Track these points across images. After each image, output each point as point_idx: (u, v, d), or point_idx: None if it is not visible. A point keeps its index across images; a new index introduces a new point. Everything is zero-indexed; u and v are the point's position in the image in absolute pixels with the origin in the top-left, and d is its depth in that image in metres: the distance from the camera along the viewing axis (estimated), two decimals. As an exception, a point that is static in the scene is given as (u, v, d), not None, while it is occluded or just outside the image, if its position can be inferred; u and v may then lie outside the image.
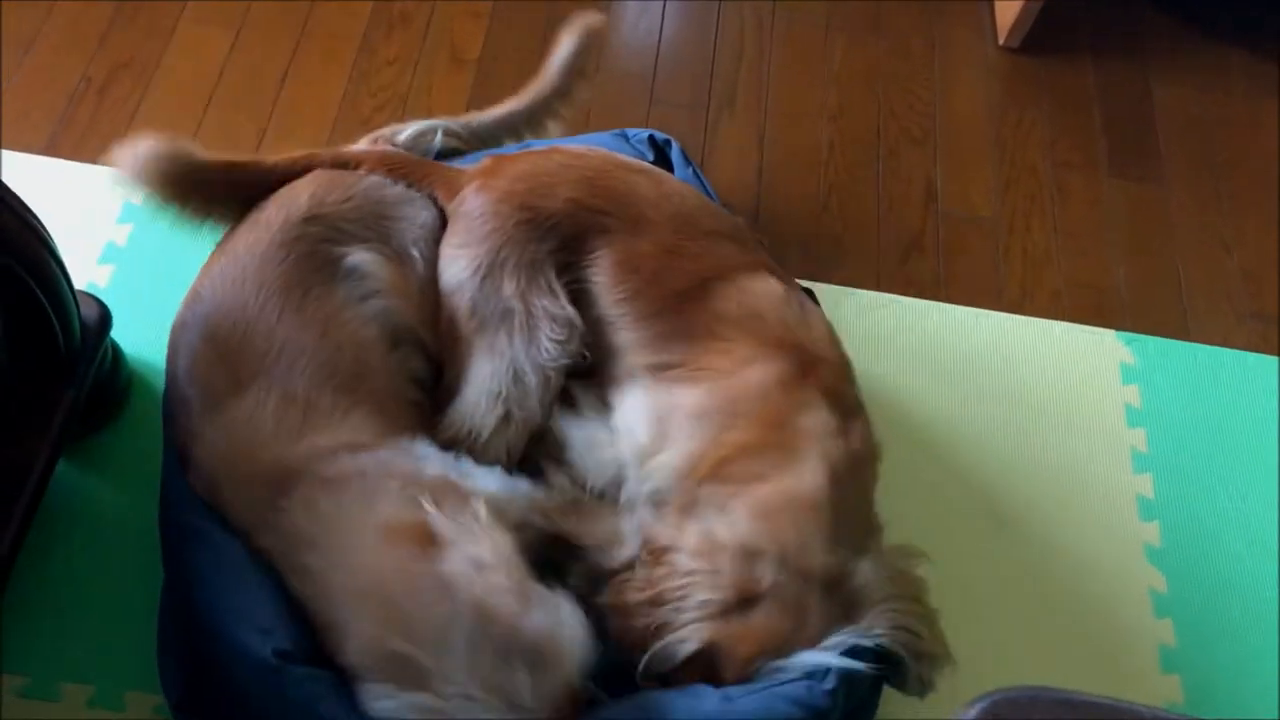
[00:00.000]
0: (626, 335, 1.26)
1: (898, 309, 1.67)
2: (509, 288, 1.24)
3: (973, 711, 0.74)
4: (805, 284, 1.60)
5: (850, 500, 1.16)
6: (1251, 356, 1.68)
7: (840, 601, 1.09)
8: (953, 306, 1.69)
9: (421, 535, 1.05)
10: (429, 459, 1.16)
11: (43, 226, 1.21)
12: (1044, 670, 1.38)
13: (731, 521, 1.10)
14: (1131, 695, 1.36)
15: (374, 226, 1.31)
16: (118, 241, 1.57)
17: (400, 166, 1.39)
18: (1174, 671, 1.41)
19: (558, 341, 1.23)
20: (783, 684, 1.06)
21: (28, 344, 1.23)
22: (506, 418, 1.22)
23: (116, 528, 1.35)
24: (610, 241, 1.26)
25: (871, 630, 1.09)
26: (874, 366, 1.60)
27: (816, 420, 1.18)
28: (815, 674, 1.07)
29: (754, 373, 1.20)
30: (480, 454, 1.21)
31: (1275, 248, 1.82)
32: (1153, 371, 1.66)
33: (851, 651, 1.08)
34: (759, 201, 1.78)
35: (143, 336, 1.49)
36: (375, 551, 1.04)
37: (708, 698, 1.05)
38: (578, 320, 1.24)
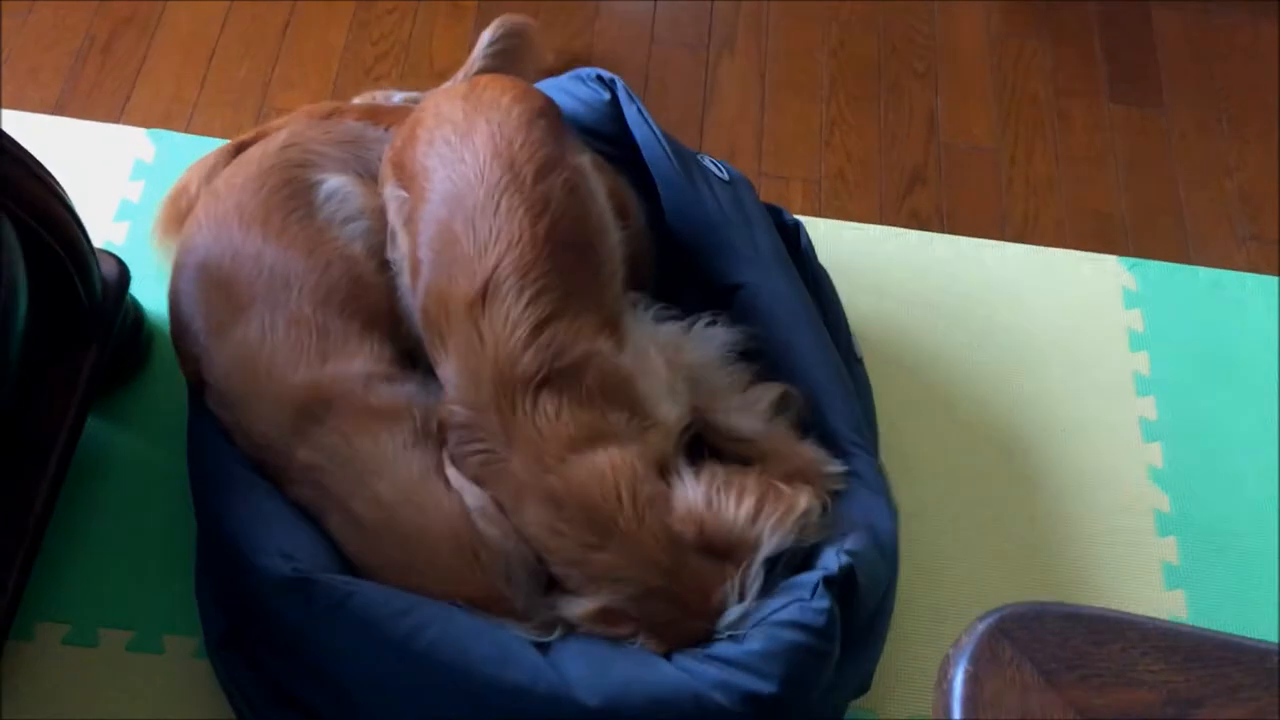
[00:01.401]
0: None
1: (900, 242, 1.69)
2: None
3: (980, 626, 0.77)
4: (805, 219, 1.63)
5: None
6: (1251, 277, 1.70)
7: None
8: (955, 237, 1.71)
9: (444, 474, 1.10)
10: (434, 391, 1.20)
11: (60, 186, 1.23)
12: (1050, 591, 1.42)
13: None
14: (1136, 611, 1.41)
15: (351, 154, 1.35)
16: (131, 198, 1.59)
17: (384, 115, 1.43)
18: (1178, 588, 1.45)
19: None
20: (779, 610, 1.09)
21: (51, 303, 1.26)
22: None
23: (146, 477, 1.39)
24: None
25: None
26: (877, 300, 1.62)
27: None
28: (803, 593, 1.10)
29: None
30: None
31: (1275, 170, 1.83)
32: (1154, 296, 1.68)
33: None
34: (761, 138, 1.79)
35: (160, 292, 1.51)
36: (425, 496, 1.09)
37: (715, 643, 1.09)
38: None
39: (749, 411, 1.26)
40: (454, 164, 1.21)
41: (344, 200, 1.29)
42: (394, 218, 1.27)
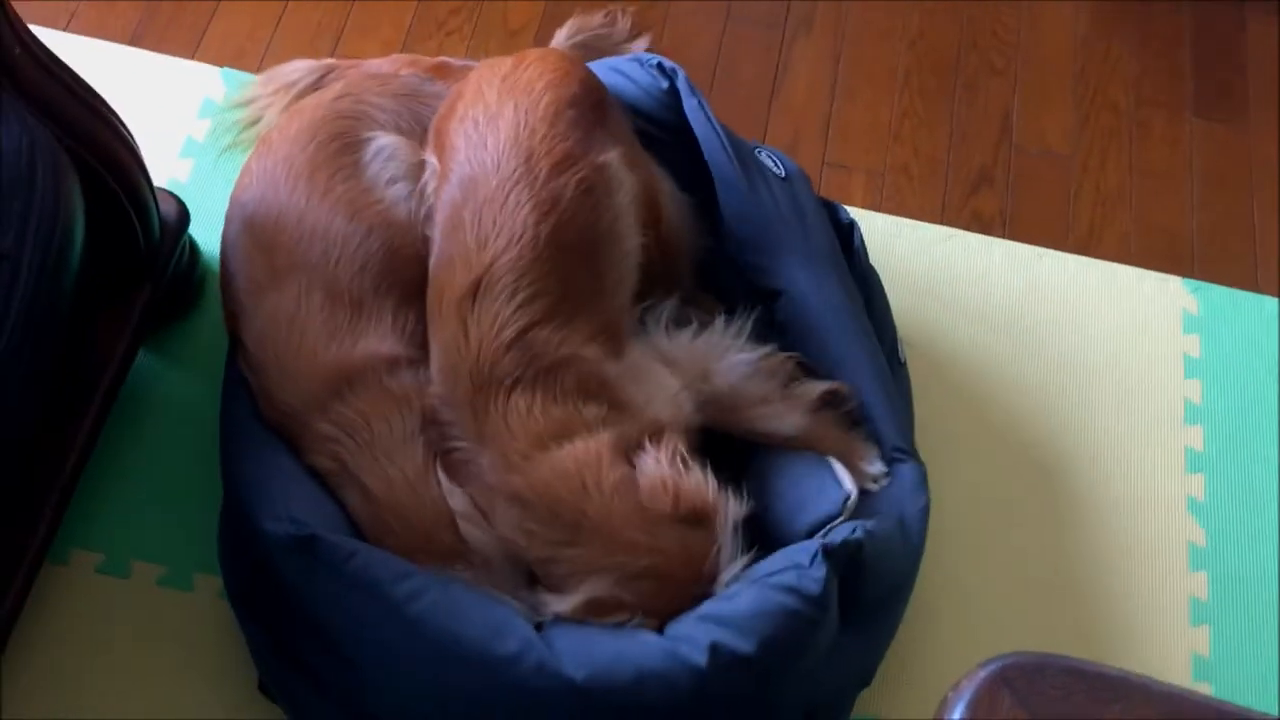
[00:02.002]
0: None
1: (958, 244, 1.67)
2: None
3: (982, 673, 0.77)
4: (857, 211, 1.61)
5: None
6: (1319, 314, 1.66)
7: None
8: (1015, 244, 1.67)
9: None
10: None
11: (125, 127, 1.25)
12: (1071, 617, 1.41)
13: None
14: (1160, 646, 1.40)
15: (405, 110, 1.32)
16: (197, 136, 1.61)
17: (448, 73, 1.42)
18: (1203, 624, 1.43)
19: None
20: (775, 574, 1.09)
21: (109, 241, 1.28)
22: None
23: (191, 416, 1.42)
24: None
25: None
26: (928, 302, 1.60)
27: None
28: (802, 559, 1.10)
29: None
30: None
31: (1358, 202, 1.77)
32: (1215, 322, 1.64)
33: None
34: (829, 125, 1.76)
35: (219, 232, 1.54)
36: (422, 480, 1.11)
37: (712, 601, 1.09)
38: None
39: (792, 411, 1.25)
40: (477, 147, 1.20)
41: (390, 158, 1.28)
42: (428, 189, 1.27)
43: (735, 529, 1.11)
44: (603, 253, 1.21)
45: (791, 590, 1.07)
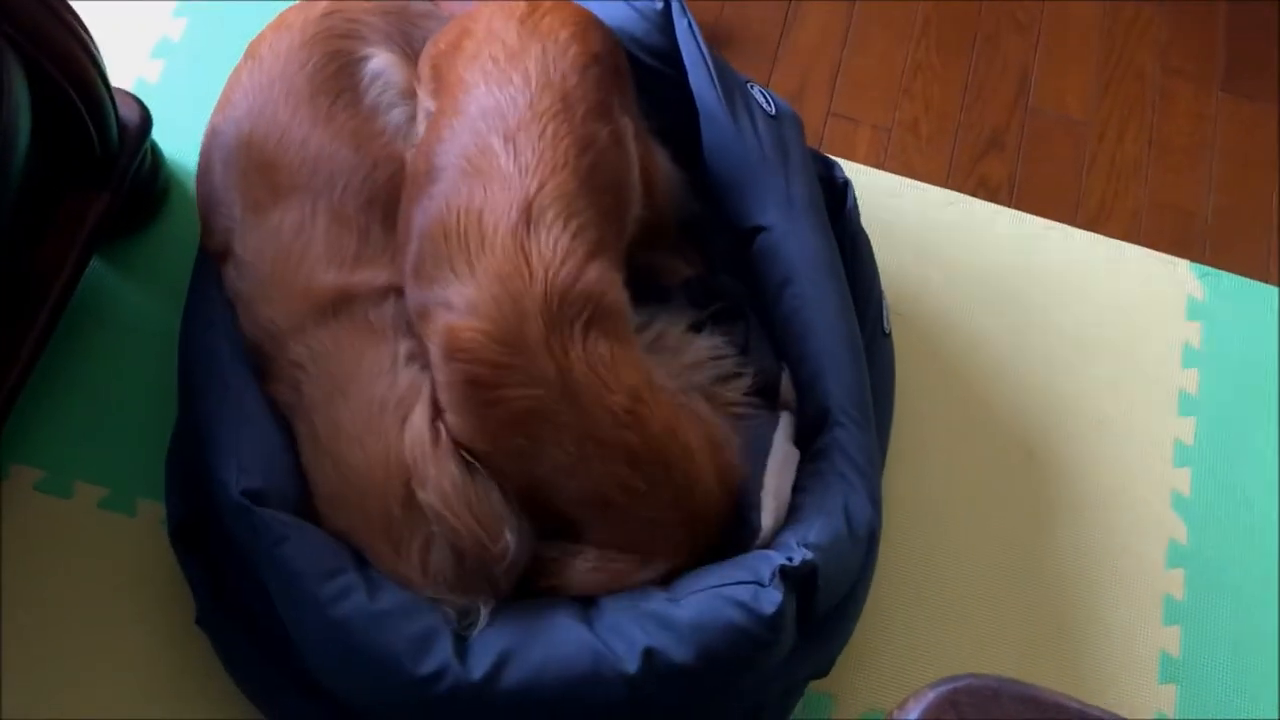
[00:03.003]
0: None
1: (962, 210, 1.59)
2: None
3: (931, 695, 0.72)
4: (859, 168, 1.53)
5: None
6: (1330, 310, 1.59)
7: None
8: (1022, 215, 1.60)
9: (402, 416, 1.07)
10: None
11: (78, 19, 1.17)
12: (1044, 605, 1.37)
13: None
14: (1129, 642, 1.36)
15: (395, 27, 1.30)
16: (172, 36, 1.53)
17: None
18: (1175, 624, 1.39)
19: None
20: (729, 585, 1.05)
21: (61, 145, 1.21)
22: None
23: (144, 333, 1.36)
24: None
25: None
26: (923, 268, 1.53)
27: None
28: (761, 575, 1.05)
29: None
30: None
31: (1383, 195, 1.70)
32: (1220, 311, 1.57)
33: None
34: (837, 74, 1.68)
35: (189, 137, 1.46)
36: (375, 431, 1.05)
37: (653, 598, 1.05)
38: None
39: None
40: (500, 83, 1.14)
41: (387, 83, 1.26)
42: (420, 123, 1.22)
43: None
44: (626, 202, 1.18)
45: (743, 606, 1.02)
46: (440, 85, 1.21)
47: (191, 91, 1.49)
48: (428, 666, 0.98)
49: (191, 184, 1.43)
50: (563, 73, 1.16)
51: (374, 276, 1.15)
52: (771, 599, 1.03)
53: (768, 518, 1.14)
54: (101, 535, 1.26)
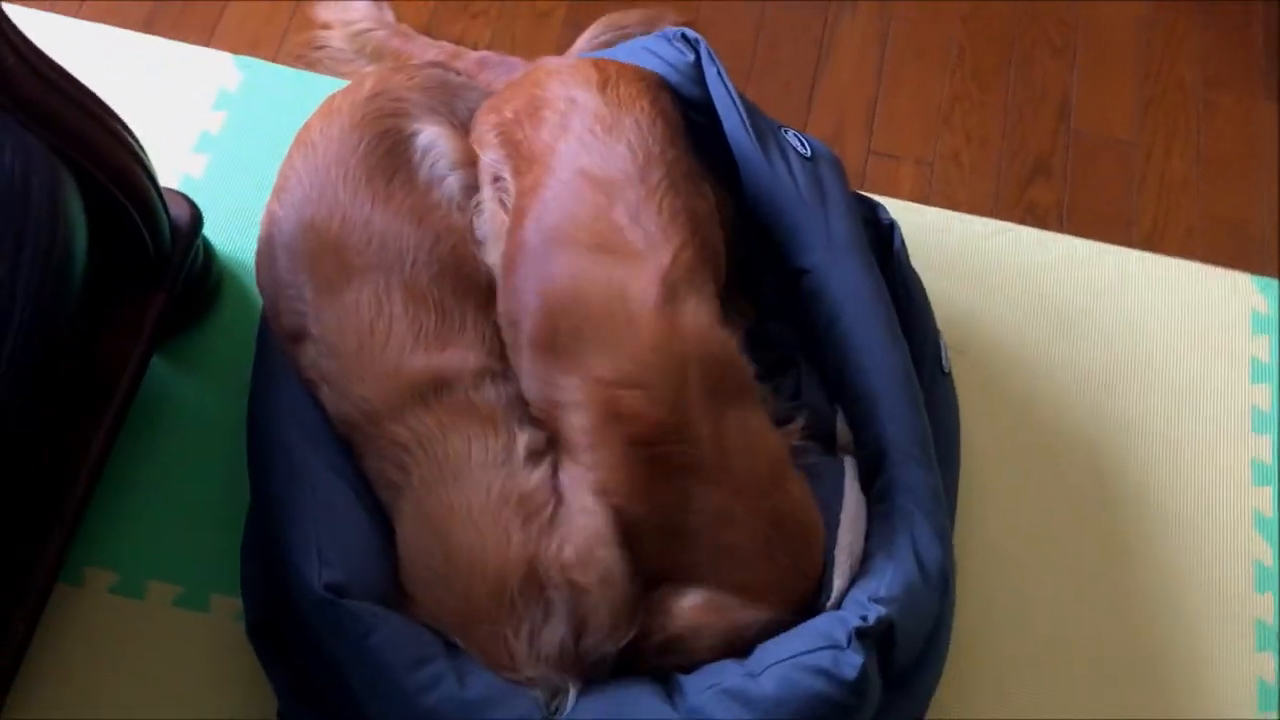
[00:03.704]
0: None
1: (1011, 238, 1.57)
2: None
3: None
4: (904, 205, 1.52)
5: None
6: (1399, 314, 1.56)
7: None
8: (1073, 239, 1.58)
9: (529, 509, 1.07)
10: None
11: (130, 132, 1.19)
12: (1132, 638, 1.34)
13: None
14: (1220, 671, 1.32)
15: (439, 100, 1.33)
16: (211, 130, 1.55)
17: (485, 65, 1.46)
18: (1268, 649, 1.35)
19: None
20: (807, 654, 1.03)
21: (116, 249, 1.22)
22: None
23: (208, 427, 1.37)
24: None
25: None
26: (978, 301, 1.51)
27: None
28: (837, 639, 1.03)
29: None
30: None
31: None
32: (1287, 322, 1.54)
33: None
34: (875, 108, 1.67)
35: (236, 229, 1.48)
36: (494, 519, 1.06)
37: (729, 673, 1.03)
38: None
39: None
40: (603, 154, 1.18)
41: (440, 155, 1.28)
42: (487, 190, 1.23)
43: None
44: (721, 269, 1.23)
45: (825, 674, 1.00)
46: (521, 154, 1.22)
47: (236, 183, 1.51)
48: None
49: (242, 274, 1.45)
50: (661, 145, 1.20)
51: (464, 357, 1.16)
52: (852, 662, 1.01)
53: (840, 578, 1.12)
54: (177, 634, 1.26)
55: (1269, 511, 1.43)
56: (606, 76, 1.25)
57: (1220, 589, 1.38)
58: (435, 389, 1.13)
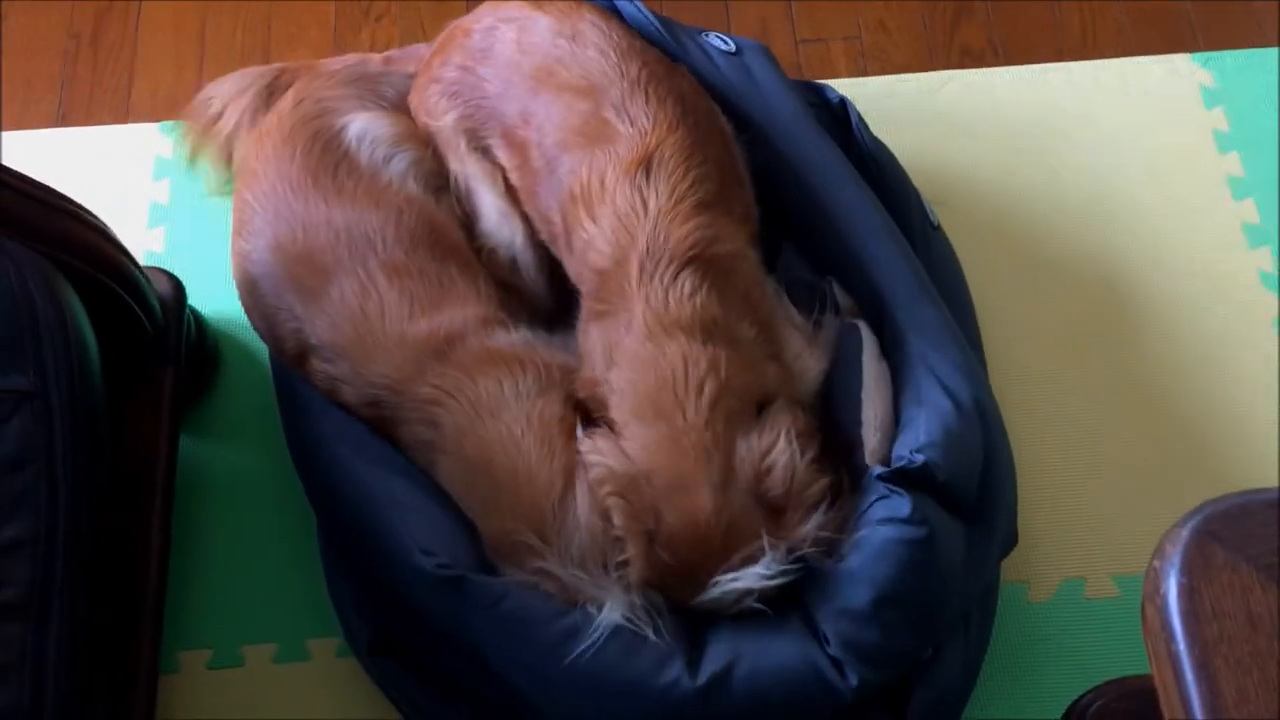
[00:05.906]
0: None
1: (958, 84, 1.59)
2: None
3: (1184, 532, 0.73)
4: (846, 83, 1.53)
5: None
6: (1337, 48, 1.60)
7: None
8: (1014, 68, 1.60)
9: (567, 429, 1.09)
10: (549, 345, 1.19)
11: (99, 221, 1.17)
12: (1177, 420, 1.38)
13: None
14: (1253, 435, 1.36)
15: (362, 88, 1.35)
16: (160, 200, 1.53)
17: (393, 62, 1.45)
18: None
19: None
20: (863, 514, 1.06)
21: (116, 335, 1.21)
22: None
23: (246, 484, 1.36)
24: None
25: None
26: (944, 153, 1.53)
27: None
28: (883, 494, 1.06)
29: None
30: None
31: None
32: (1235, 89, 1.58)
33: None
34: (791, 4, 1.67)
35: (215, 291, 1.47)
36: (526, 440, 1.08)
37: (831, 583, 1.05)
38: None
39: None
40: (580, 59, 1.19)
41: (375, 140, 1.29)
42: (456, 131, 1.26)
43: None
44: (728, 149, 1.23)
45: (889, 521, 1.04)
46: (488, 100, 1.24)
47: (201, 246, 1.49)
48: (669, 674, 1.00)
49: (235, 331, 1.44)
50: (628, 40, 1.22)
51: (463, 311, 1.18)
52: (900, 503, 1.04)
53: (872, 440, 1.13)
54: (288, 688, 1.26)
55: (1271, 269, 1.46)
56: (538, 4, 1.26)
57: (1240, 347, 1.42)
58: (448, 344, 1.15)
